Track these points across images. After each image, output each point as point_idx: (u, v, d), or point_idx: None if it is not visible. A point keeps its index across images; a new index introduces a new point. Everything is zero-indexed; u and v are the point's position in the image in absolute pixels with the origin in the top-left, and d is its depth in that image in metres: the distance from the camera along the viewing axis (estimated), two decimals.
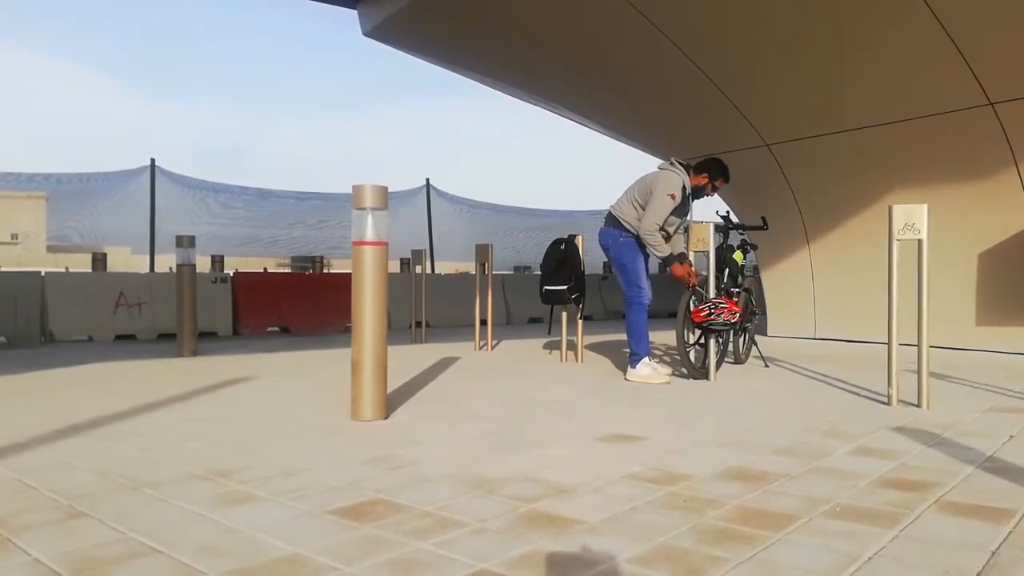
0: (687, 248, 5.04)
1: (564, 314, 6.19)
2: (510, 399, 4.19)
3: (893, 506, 2.14)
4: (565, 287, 5.65)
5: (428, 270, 9.89)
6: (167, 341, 7.53)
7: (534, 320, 11.13)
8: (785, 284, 8.38)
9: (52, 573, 1.65)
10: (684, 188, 4.82)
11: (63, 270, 9.25)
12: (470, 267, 10.33)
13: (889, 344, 3.78)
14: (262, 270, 10.55)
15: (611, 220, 4.99)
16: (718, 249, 5.26)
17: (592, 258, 6.60)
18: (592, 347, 6.97)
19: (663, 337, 7.66)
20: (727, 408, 3.87)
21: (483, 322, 7.21)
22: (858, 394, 4.25)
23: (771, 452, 2.83)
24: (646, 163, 9.89)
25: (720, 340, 4.98)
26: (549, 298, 5.78)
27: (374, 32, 9.06)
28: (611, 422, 3.44)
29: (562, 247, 5.79)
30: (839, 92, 6.97)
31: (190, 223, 10.27)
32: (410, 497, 2.24)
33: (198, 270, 6.78)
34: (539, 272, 6.10)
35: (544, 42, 8.04)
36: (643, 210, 4.78)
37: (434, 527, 1.97)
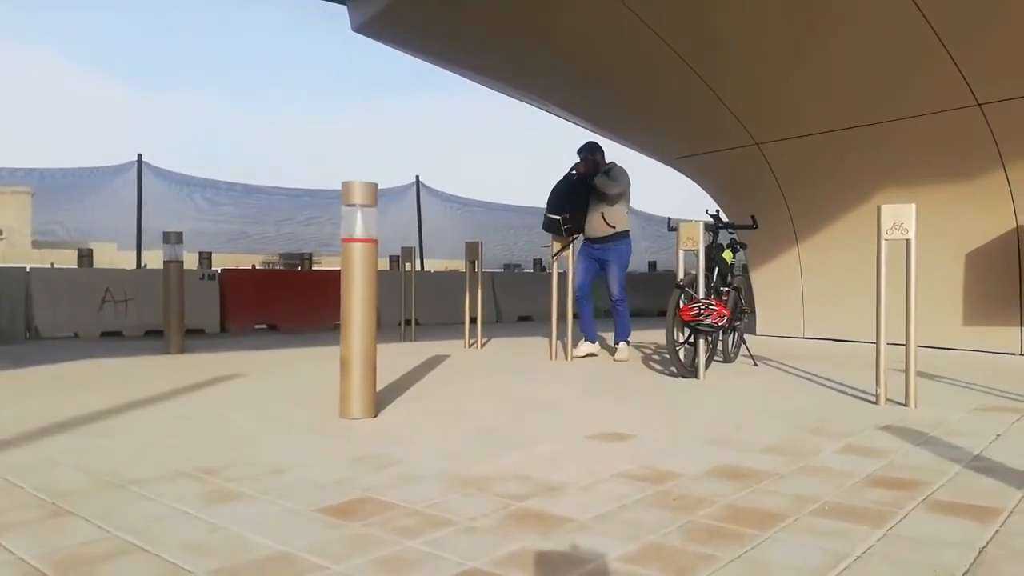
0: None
1: (553, 313, 6.20)
2: (499, 397, 4.19)
3: (881, 505, 2.15)
4: (559, 217, 5.94)
5: (418, 268, 9.87)
6: (154, 338, 7.48)
7: (523, 318, 11.12)
8: (774, 283, 8.42)
9: (36, 572, 1.63)
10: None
11: (48, 266, 9.18)
12: (460, 265, 10.31)
13: (877, 343, 3.80)
14: (250, 267, 10.50)
15: (605, 239, 5.83)
16: (707, 248, 5.27)
17: None
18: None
19: (653, 336, 7.67)
20: (716, 407, 3.88)
21: (473, 320, 7.20)
22: (846, 393, 4.27)
23: (760, 451, 2.83)
24: (645, 161, 9.88)
25: (709, 339, 4.99)
26: (547, 226, 6.12)
27: (363, 28, 9.02)
28: (601, 420, 3.44)
29: (574, 177, 6.06)
30: (829, 92, 7.00)
31: (177, 219, 10.18)
32: (399, 495, 2.23)
33: (185, 266, 6.74)
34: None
35: (532, 38, 8.03)
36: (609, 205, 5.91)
37: (423, 525, 1.96)
